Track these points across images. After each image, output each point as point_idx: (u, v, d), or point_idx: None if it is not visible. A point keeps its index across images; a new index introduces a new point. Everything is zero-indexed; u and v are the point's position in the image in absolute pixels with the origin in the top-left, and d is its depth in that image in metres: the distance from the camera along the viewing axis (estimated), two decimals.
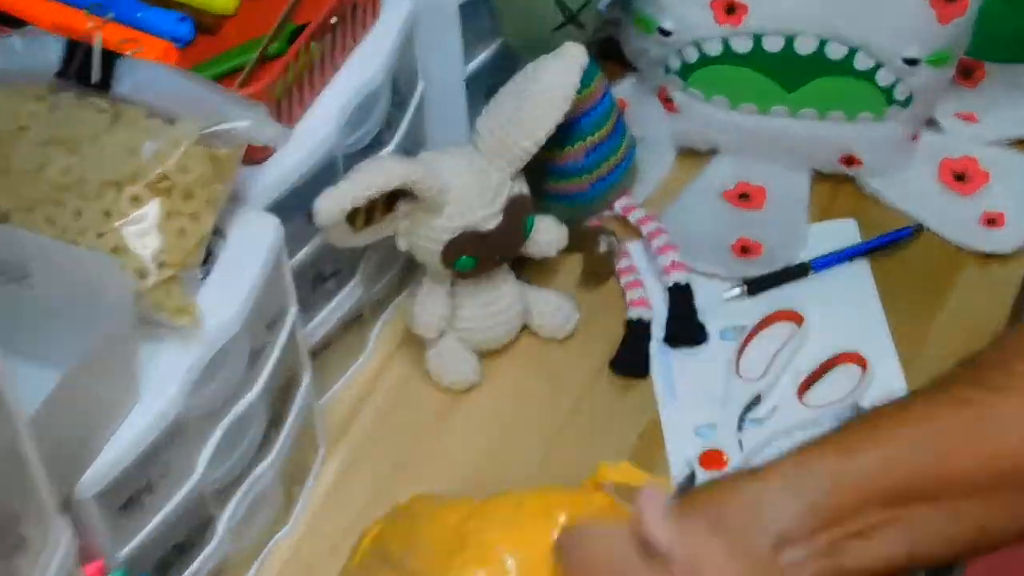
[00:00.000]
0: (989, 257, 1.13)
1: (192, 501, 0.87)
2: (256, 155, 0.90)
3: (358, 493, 1.02)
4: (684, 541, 0.75)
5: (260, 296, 0.88)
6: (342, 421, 1.08)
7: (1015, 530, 0.79)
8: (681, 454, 1.02)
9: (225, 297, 0.86)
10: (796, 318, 1.07)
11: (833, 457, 0.77)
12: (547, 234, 1.05)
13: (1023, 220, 1.15)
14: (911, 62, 1.08)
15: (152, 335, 0.83)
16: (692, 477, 1.00)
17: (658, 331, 1.07)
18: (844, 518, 0.75)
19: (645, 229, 1.13)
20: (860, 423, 0.80)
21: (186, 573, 0.90)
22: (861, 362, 1.04)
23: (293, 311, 0.94)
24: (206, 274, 0.87)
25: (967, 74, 1.19)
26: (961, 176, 1.16)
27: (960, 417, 0.77)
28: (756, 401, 1.04)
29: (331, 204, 0.92)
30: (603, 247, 1.10)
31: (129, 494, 0.81)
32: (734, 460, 1.01)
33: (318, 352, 1.04)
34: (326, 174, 0.96)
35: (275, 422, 0.94)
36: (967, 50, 1.13)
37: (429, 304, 1.05)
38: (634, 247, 1.14)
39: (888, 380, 1.04)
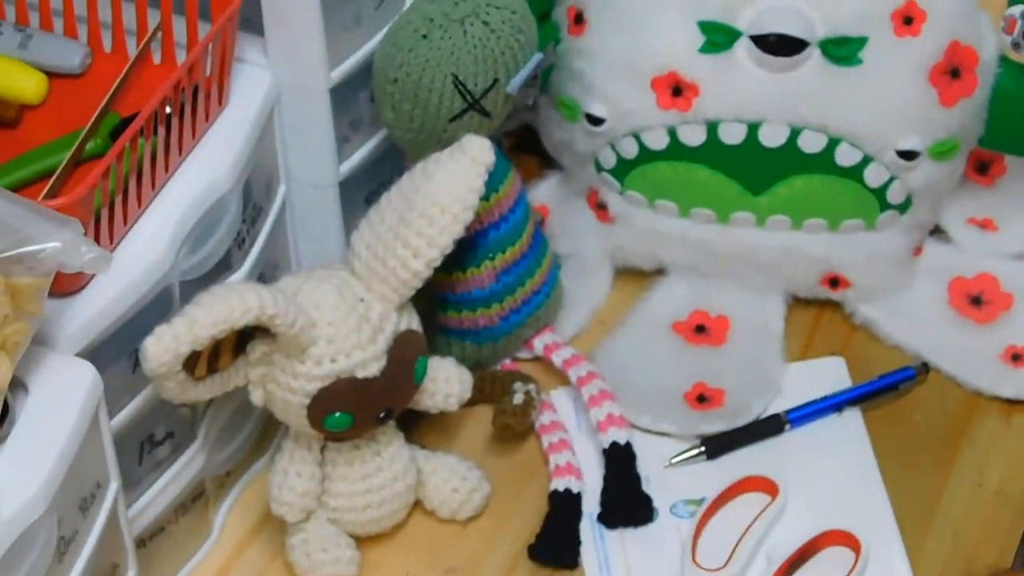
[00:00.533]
0: (1013, 404, 1.12)
1: None
2: (68, 285, 0.88)
3: None
4: None
5: (70, 468, 0.84)
6: None
7: None
8: None
9: (24, 470, 0.81)
10: (769, 487, 1.06)
11: None
12: (446, 382, 1.04)
13: None
14: (909, 155, 1.10)
15: None
16: None
17: (591, 506, 1.05)
18: None
19: (573, 373, 1.11)
20: None
21: None
22: (854, 543, 1.02)
23: (114, 487, 0.91)
24: (2, 439, 0.82)
25: (982, 170, 1.22)
26: (978, 300, 1.19)
27: None
28: None
29: (163, 346, 0.90)
30: (519, 398, 1.09)
31: None
32: None
33: (147, 540, 1.01)
34: (158, 307, 0.95)
35: None
36: (980, 139, 1.14)
37: (292, 476, 1.03)
38: (560, 397, 1.13)
39: (889, 567, 1.02)
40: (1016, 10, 1.11)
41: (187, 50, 1.00)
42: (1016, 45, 1.12)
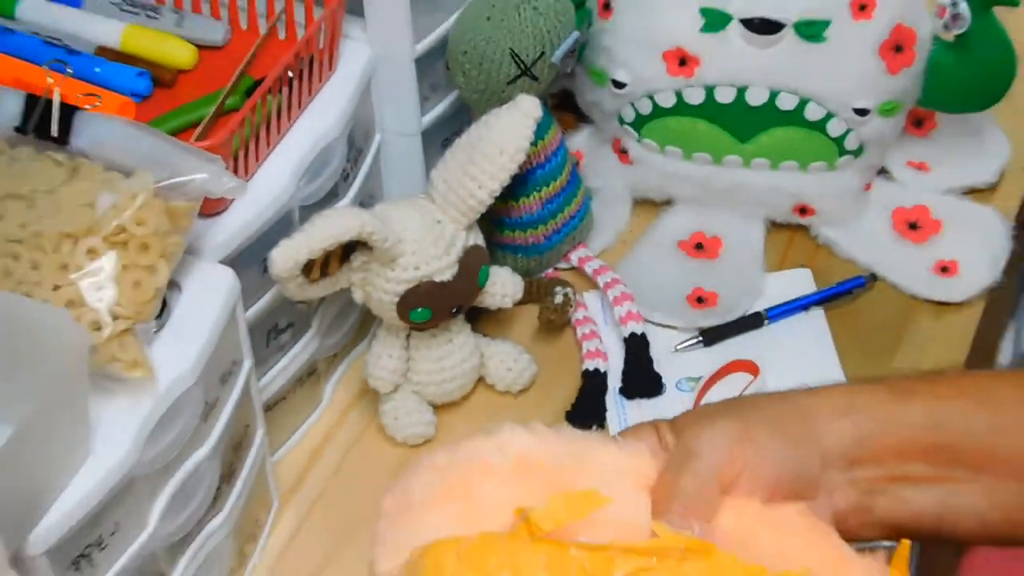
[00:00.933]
0: (942, 305, 1.16)
1: (143, 558, 0.88)
2: (212, 208, 0.93)
3: (312, 550, 1.03)
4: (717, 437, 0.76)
5: (215, 349, 0.90)
6: (296, 476, 1.09)
7: None
8: None
9: (179, 350, 0.88)
10: (752, 368, 1.10)
11: (887, 399, 0.80)
12: (503, 286, 1.07)
13: (975, 268, 1.18)
14: (862, 112, 1.12)
15: (105, 388, 0.84)
16: None
17: (614, 382, 1.10)
18: (886, 460, 0.78)
19: (601, 280, 1.15)
20: (919, 375, 0.83)
21: None
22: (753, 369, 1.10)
23: (248, 364, 0.96)
24: (161, 327, 0.88)
25: (918, 124, 1.23)
26: (914, 225, 1.20)
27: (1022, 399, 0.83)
28: None
29: (286, 256, 0.94)
30: (559, 298, 1.12)
31: (79, 550, 0.82)
32: None
33: (272, 406, 1.06)
34: (282, 226, 0.99)
35: (227, 477, 0.96)
36: (917, 100, 1.16)
37: (384, 357, 1.07)
38: (590, 298, 1.17)
39: None
40: (946, 0, 1.13)
41: (305, 28, 1.02)
42: (945, 27, 1.12)
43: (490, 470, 0.76)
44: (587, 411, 1.09)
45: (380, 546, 0.77)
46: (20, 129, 0.87)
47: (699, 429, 0.78)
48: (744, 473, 0.75)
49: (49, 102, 0.87)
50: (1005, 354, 1.53)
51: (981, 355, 1.32)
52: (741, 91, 1.11)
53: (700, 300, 1.16)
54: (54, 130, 0.87)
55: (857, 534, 0.77)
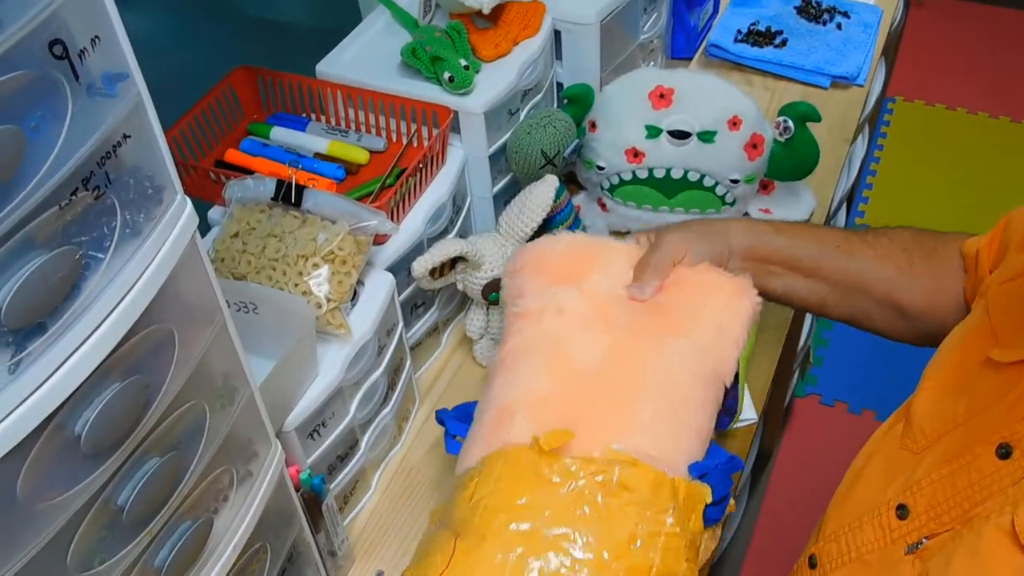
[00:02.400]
0: None
1: (347, 431, 0.95)
2: (380, 240, 0.99)
3: (438, 426, 1.05)
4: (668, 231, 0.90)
5: (383, 316, 0.96)
6: (428, 384, 1.16)
7: (839, 315, 0.97)
8: None
9: (364, 318, 0.95)
10: None
11: (769, 229, 0.96)
12: None
13: None
14: (735, 181, 1.19)
15: (324, 339, 0.91)
16: None
17: None
18: (760, 260, 0.94)
19: None
20: (790, 225, 0.99)
21: (343, 472, 0.97)
22: None
23: (400, 324, 1.02)
24: (353, 305, 0.95)
25: (765, 187, 1.31)
26: None
27: (845, 246, 0.94)
28: None
29: (421, 265, 1.03)
30: None
31: (313, 427, 0.90)
32: None
33: (414, 347, 1.12)
34: (418, 249, 1.05)
35: (391, 386, 1.03)
36: (765, 174, 1.23)
37: (475, 320, 1.15)
38: None
39: None
40: (780, 118, 1.21)
41: (429, 140, 1.08)
42: (780, 134, 1.22)
43: (550, 248, 0.93)
44: None
45: (509, 279, 0.93)
46: (274, 199, 0.95)
47: (663, 233, 0.92)
48: (687, 256, 0.90)
49: (290, 184, 0.95)
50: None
51: (798, 315, 1.44)
52: (668, 170, 1.20)
53: None
54: (293, 199, 0.95)
55: None
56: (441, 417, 0.89)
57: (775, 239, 0.94)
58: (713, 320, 0.86)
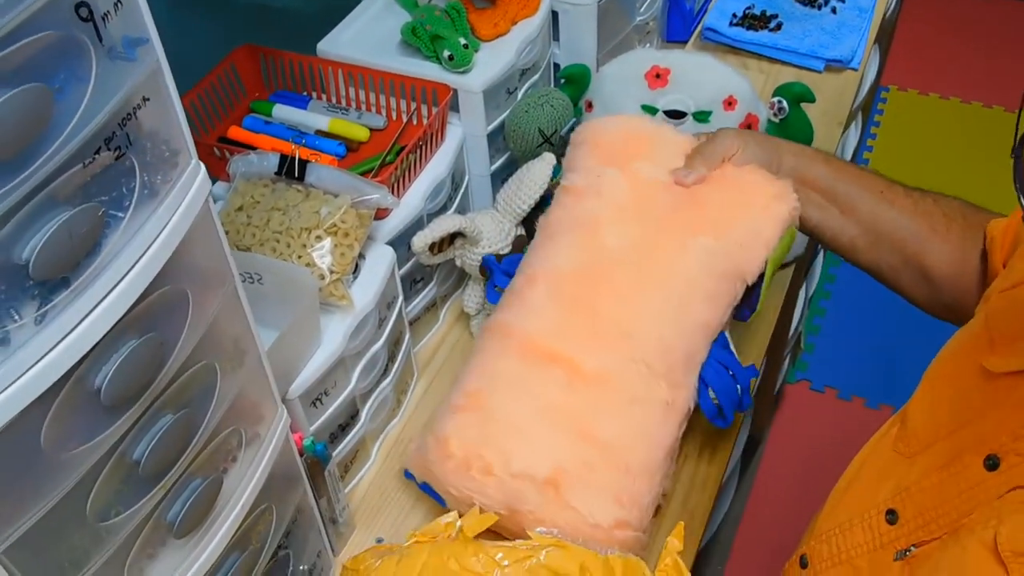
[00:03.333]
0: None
1: (348, 401, 0.97)
2: (382, 214, 1.01)
3: (435, 399, 1.11)
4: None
5: (383, 290, 0.98)
6: (426, 359, 1.18)
7: (866, 261, 0.97)
8: None
9: (365, 290, 0.97)
10: None
11: (818, 158, 0.98)
12: None
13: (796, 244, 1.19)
14: None
15: (327, 310, 0.93)
16: None
17: None
18: (805, 183, 0.97)
19: None
20: (841, 161, 0.99)
21: (344, 441, 0.99)
22: None
23: (400, 298, 1.04)
24: (355, 278, 0.97)
25: None
26: None
27: (888, 193, 0.95)
28: None
29: (420, 240, 1.04)
30: None
31: (316, 396, 0.92)
32: None
33: (413, 321, 1.14)
34: (417, 224, 1.07)
35: (391, 358, 1.04)
36: None
37: (472, 296, 1.16)
38: None
39: None
40: (775, 99, 1.23)
41: (428, 118, 1.10)
42: (775, 115, 1.24)
43: (608, 128, 1.01)
44: None
45: (570, 150, 1.00)
46: (277, 173, 0.97)
47: (721, 130, 0.96)
48: (738, 155, 0.94)
49: (293, 158, 0.96)
50: (801, 297, 1.67)
51: (789, 298, 1.47)
52: None
53: None
54: (296, 173, 0.96)
55: None
56: (489, 265, 1.03)
57: (822, 167, 0.96)
58: (747, 221, 0.90)
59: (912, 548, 0.69)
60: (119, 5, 0.46)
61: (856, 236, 0.95)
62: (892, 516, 0.73)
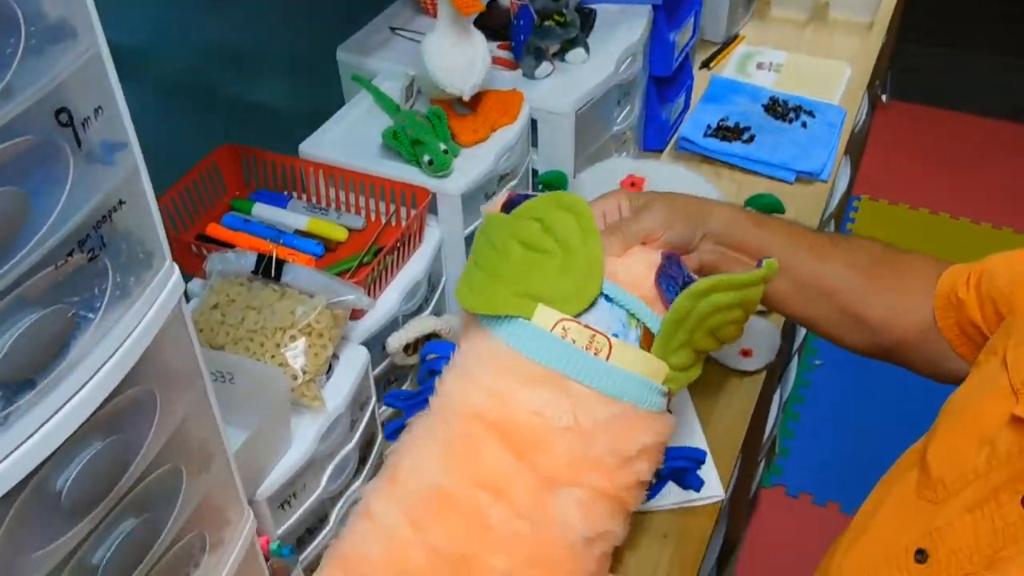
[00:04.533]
0: (744, 374, 1.29)
1: (317, 504, 0.96)
2: (357, 315, 1.01)
3: None
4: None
5: (357, 391, 0.97)
6: None
7: (800, 315, 0.98)
8: None
9: (338, 391, 0.96)
10: None
11: (747, 219, 0.96)
12: None
13: (761, 353, 1.30)
14: None
15: (298, 411, 0.92)
16: None
17: None
18: (735, 247, 0.95)
19: None
20: (771, 219, 0.98)
21: (312, 544, 0.98)
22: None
23: (373, 399, 1.03)
24: (328, 378, 0.96)
25: None
26: None
27: (817, 248, 0.95)
28: None
29: (396, 340, 1.05)
30: None
31: (284, 498, 0.90)
32: None
33: (387, 423, 1.12)
34: (392, 325, 1.06)
35: (363, 460, 1.03)
36: None
37: None
38: None
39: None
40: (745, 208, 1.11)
41: (406, 220, 1.10)
42: None
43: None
44: None
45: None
46: (254, 272, 0.97)
47: (645, 209, 0.91)
48: (662, 237, 0.90)
49: (271, 258, 0.96)
50: (775, 402, 1.67)
51: (763, 402, 1.47)
52: None
53: None
54: (273, 273, 0.97)
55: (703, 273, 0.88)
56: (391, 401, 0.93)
57: (752, 230, 0.95)
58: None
59: None
60: (100, 111, 0.46)
61: (790, 293, 0.96)
62: (922, 556, 0.74)
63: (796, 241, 0.94)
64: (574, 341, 0.80)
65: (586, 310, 0.81)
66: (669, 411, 0.85)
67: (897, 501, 0.81)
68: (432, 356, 0.86)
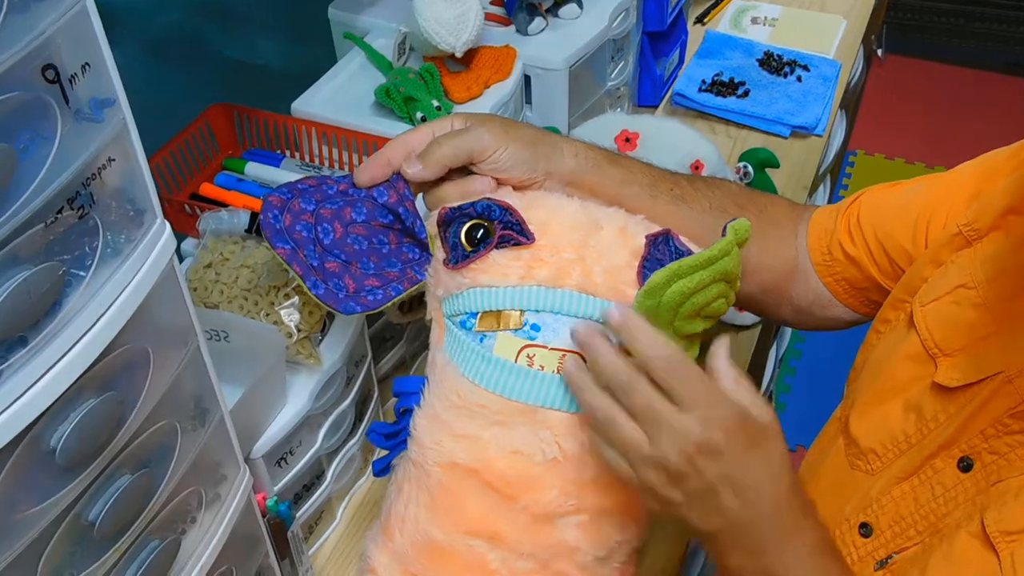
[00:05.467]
0: (740, 328, 1.30)
1: (313, 460, 0.96)
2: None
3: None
4: None
5: (351, 348, 0.97)
6: (396, 418, 1.03)
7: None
8: None
9: (333, 348, 0.96)
10: None
11: (604, 159, 0.86)
12: None
13: None
14: None
15: (294, 368, 0.92)
16: None
17: None
18: (587, 190, 0.85)
19: None
20: (629, 158, 0.90)
21: (308, 501, 0.98)
22: None
23: (369, 356, 1.03)
24: (323, 336, 0.96)
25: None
26: None
27: (678, 190, 0.89)
28: None
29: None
30: None
31: (280, 455, 0.91)
32: None
33: (382, 380, 1.13)
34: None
35: (359, 417, 1.03)
36: None
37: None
38: None
39: None
40: (740, 164, 1.27)
41: None
42: (741, 179, 1.27)
43: None
44: None
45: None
46: (248, 231, 0.97)
47: (486, 120, 0.80)
48: (494, 156, 0.79)
49: None
50: (772, 357, 1.69)
51: (758, 357, 1.48)
52: None
53: None
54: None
55: None
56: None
57: (608, 168, 0.84)
58: None
59: (893, 556, 0.72)
60: (87, 67, 0.46)
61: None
62: (866, 529, 0.74)
63: (657, 181, 0.86)
64: (542, 368, 0.73)
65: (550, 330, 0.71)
66: None
67: (832, 473, 0.80)
68: (400, 394, 0.82)
